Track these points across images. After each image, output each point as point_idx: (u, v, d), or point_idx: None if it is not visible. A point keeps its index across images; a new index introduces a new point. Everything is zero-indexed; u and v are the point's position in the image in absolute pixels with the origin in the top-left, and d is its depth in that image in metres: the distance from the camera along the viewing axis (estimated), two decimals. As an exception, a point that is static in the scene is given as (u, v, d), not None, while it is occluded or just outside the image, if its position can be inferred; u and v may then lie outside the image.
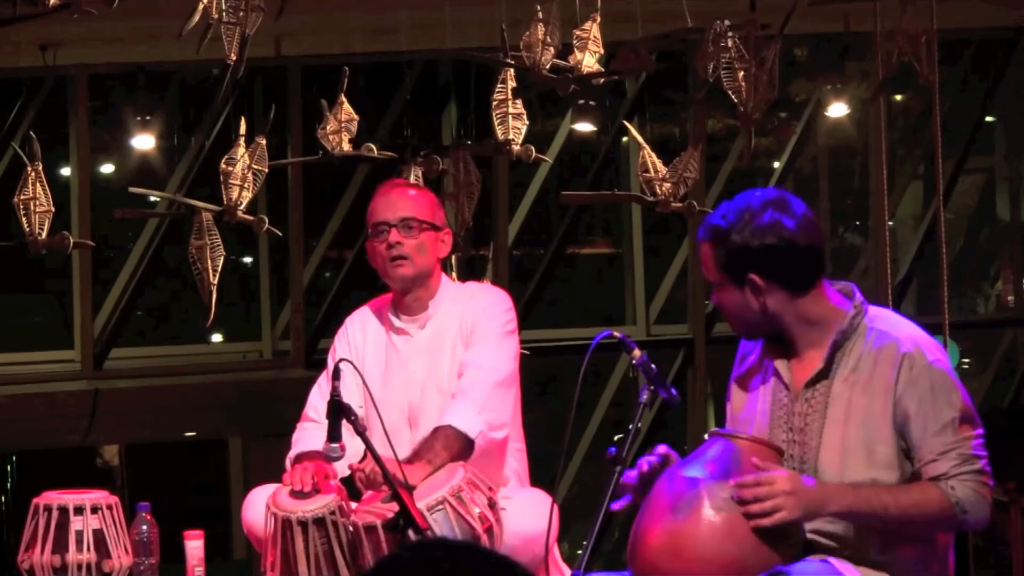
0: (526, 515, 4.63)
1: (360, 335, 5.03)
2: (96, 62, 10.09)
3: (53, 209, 5.55)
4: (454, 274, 5.55)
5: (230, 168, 5.47)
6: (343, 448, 4.40)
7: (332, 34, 9.90)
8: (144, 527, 5.09)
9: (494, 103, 5.73)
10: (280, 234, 5.89)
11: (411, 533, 4.22)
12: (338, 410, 4.38)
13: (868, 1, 6.07)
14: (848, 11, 9.37)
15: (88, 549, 4.97)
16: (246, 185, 5.47)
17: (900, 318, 3.92)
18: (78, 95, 10.45)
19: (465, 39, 8.33)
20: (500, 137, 5.72)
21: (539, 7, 5.45)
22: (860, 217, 12.69)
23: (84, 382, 10.75)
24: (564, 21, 5.47)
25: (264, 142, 5.52)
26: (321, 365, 5.16)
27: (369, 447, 4.38)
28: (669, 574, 3.66)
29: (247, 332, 11.58)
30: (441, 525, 4.48)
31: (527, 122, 5.76)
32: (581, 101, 10.36)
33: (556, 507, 4.36)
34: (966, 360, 12.60)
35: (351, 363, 4.67)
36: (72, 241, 5.60)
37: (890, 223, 11.43)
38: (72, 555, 4.95)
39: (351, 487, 4.68)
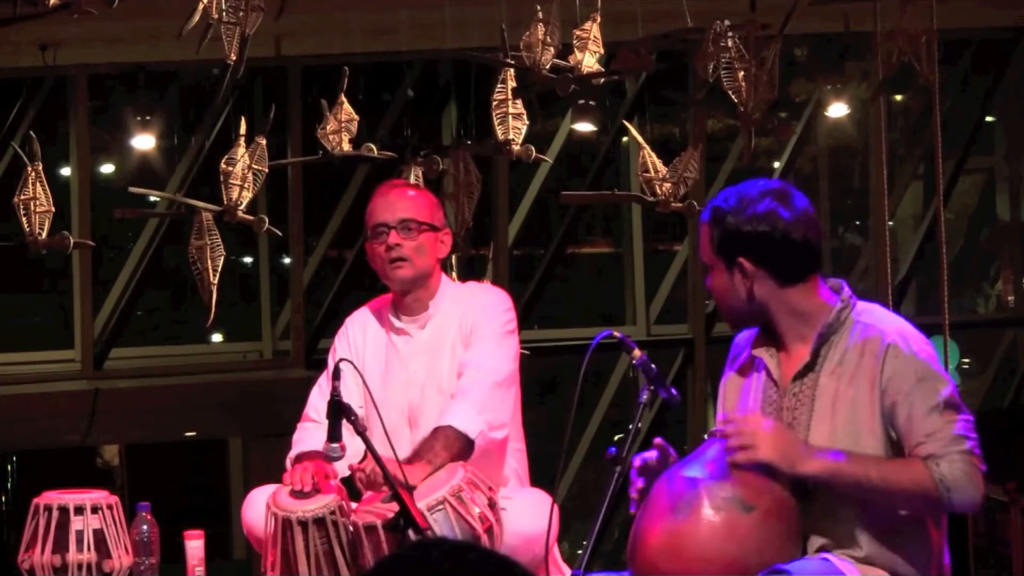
0: (526, 515, 4.63)
1: (360, 335, 5.04)
2: (96, 62, 10.09)
3: (53, 209, 5.55)
4: (454, 274, 5.55)
5: (230, 168, 5.47)
6: (343, 448, 4.41)
7: (332, 34, 9.90)
8: (144, 527, 5.09)
9: (494, 103, 5.73)
10: (280, 234, 5.89)
11: (411, 533, 4.22)
12: (338, 410, 4.38)
13: (868, 1, 6.08)
14: (848, 11, 9.37)
15: (88, 549, 4.97)
16: (246, 185, 5.47)
17: (887, 312, 3.94)
18: (78, 95, 10.45)
19: (465, 39, 8.33)
20: (500, 137, 5.72)
21: (539, 7, 5.45)
22: (860, 217, 12.69)
23: (84, 382, 10.76)
24: (564, 21, 5.47)
25: (264, 142, 5.52)
26: (321, 365, 5.16)
27: (369, 447, 4.38)
28: (669, 574, 3.66)
29: (247, 332, 11.58)
30: (441, 525, 4.49)
31: (527, 122, 5.76)
32: (581, 101, 10.36)
33: (556, 507, 4.36)
34: (966, 360, 12.60)
35: (351, 363, 4.67)
36: (72, 241, 5.60)
37: (890, 223, 11.43)
38: (72, 555, 4.96)
39: (351, 487, 4.68)
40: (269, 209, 9.98)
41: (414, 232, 4.92)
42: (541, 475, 5.14)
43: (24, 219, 5.50)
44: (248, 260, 11.70)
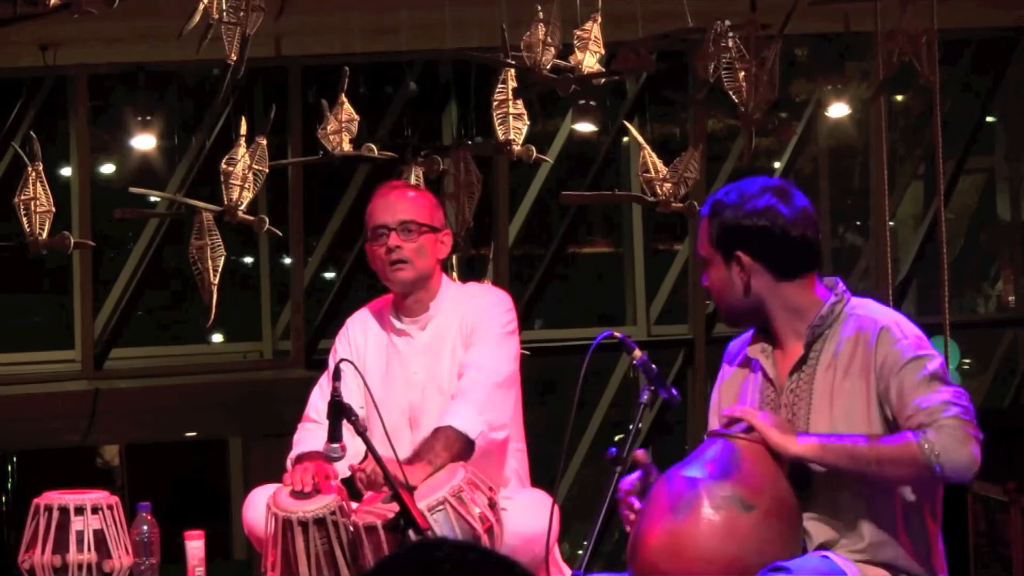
0: (526, 515, 4.63)
1: (361, 336, 5.03)
2: (96, 62, 10.10)
3: (53, 209, 5.55)
4: (455, 274, 5.55)
5: (230, 168, 5.47)
6: (344, 448, 4.41)
7: (332, 34, 9.90)
8: (144, 527, 5.09)
9: (495, 103, 5.73)
10: (280, 234, 5.89)
11: (411, 533, 4.22)
12: (339, 410, 4.38)
13: (868, 1, 6.08)
14: (848, 11, 9.37)
15: (89, 549, 4.97)
16: (247, 185, 5.47)
17: (881, 305, 3.96)
18: (78, 95, 10.45)
19: (465, 39, 8.33)
20: (501, 137, 5.72)
21: (539, 7, 5.45)
22: (860, 217, 12.69)
23: (84, 382, 10.76)
24: (565, 21, 5.47)
25: (264, 142, 5.52)
26: (321, 365, 5.16)
27: (370, 447, 4.38)
28: (669, 574, 3.66)
29: (247, 332, 11.58)
30: (442, 525, 4.49)
31: (528, 122, 5.76)
32: (582, 101, 10.36)
33: (556, 507, 4.36)
34: (966, 360, 12.60)
35: (352, 363, 4.67)
36: (72, 241, 5.60)
37: (891, 223, 11.43)
38: (73, 555, 4.95)
39: (352, 487, 4.68)
40: (269, 209, 9.98)
41: (414, 234, 4.91)
42: (541, 475, 5.13)
43: (24, 219, 5.50)
44: (248, 260, 11.70)
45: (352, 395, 4.71)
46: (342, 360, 4.64)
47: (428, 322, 4.97)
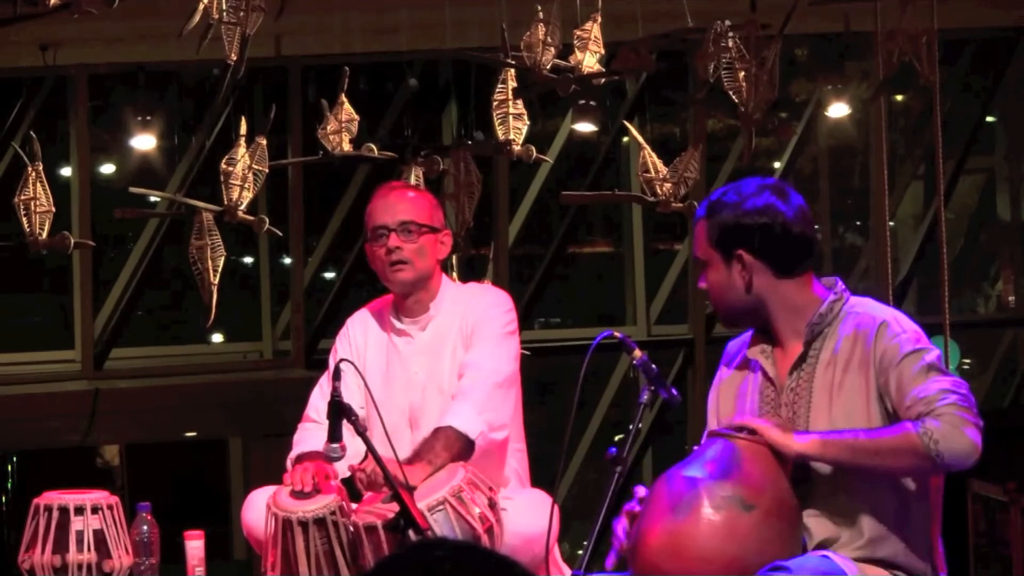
0: (526, 515, 4.63)
1: (361, 336, 5.04)
2: (96, 62, 10.10)
3: (53, 209, 5.55)
4: (455, 274, 5.55)
5: (230, 168, 5.47)
6: (343, 448, 4.41)
7: (332, 34, 9.91)
8: (144, 527, 5.09)
9: (495, 103, 5.73)
10: (280, 234, 5.89)
11: (412, 533, 4.22)
12: (338, 410, 4.38)
13: (868, 1, 6.07)
14: (848, 11, 9.37)
15: (88, 549, 4.97)
16: (246, 185, 5.47)
17: (879, 303, 3.97)
18: (78, 95, 10.45)
19: (465, 39, 8.33)
20: (501, 137, 5.72)
21: (539, 7, 5.45)
22: (860, 217, 12.69)
23: (84, 382, 10.76)
24: (565, 21, 5.47)
25: (264, 142, 5.52)
26: (321, 365, 5.16)
27: (370, 447, 4.38)
28: (670, 574, 3.67)
29: (247, 332, 11.58)
30: (442, 525, 4.49)
31: (528, 122, 5.76)
32: (581, 101, 10.36)
33: (556, 507, 4.36)
34: (966, 360, 12.60)
35: (352, 364, 4.67)
36: (72, 241, 5.60)
37: (890, 223, 11.43)
38: (72, 555, 4.96)
39: (351, 487, 4.68)
40: (269, 209, 9.98)
41: (414, 234, 4.91)
42: (541, 475, 5.13)
43: (24, 219, 5.50)
44: (248, 260, 11.70)
45: (352, 395, 4.71)
46: (342, 360, 4.64)
47: (428, 322, 4.97)
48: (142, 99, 10.30)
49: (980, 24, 11.22)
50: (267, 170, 5.54)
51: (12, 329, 11.19)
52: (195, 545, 5.20)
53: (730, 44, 5.27)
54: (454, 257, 5.90)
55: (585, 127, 11.30)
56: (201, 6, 5.13)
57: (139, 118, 10.21)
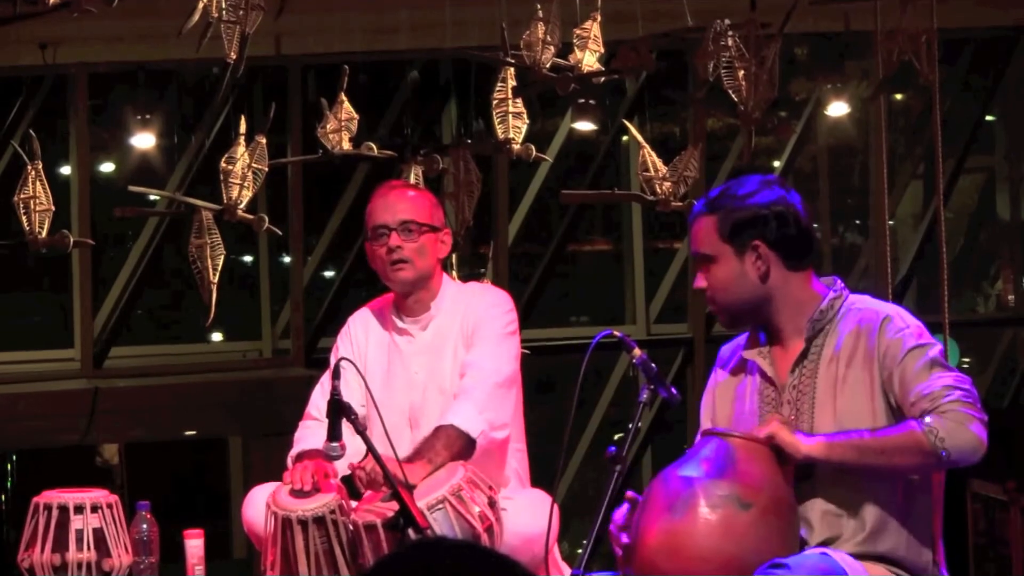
0: (526, 515, 4.63)
1: (363, 335, 5.04)
2: (96, 61, 10.09)
3: (53, 208, 5.55)
4: (455, 273, 5.55)
5: (230, 167, 5.47)
6: (343, 447, 4.40)
7: (332, 33, 9.90)
8: (144, 526, 5.09)
9: (494, 102, 5.73)
10: (280, 233, 5.89)
11: (411, 532, 4.22)
12: (338, 409, 4.38)
13: (868, 0, 6.07)
14: (848, 10, 9.37)
15: (88, 548, 4.97)
16: (246, 184, 5.47)
17: (879, 300, 3.98)
18: (78, 94, 10.44)
19: (465, 38, 8.32)
20: (500, 136, 5.72)
21: (539, 6, 5.45)
22: (860, 216, 12.69)
23: (84, 381, 10.75)
24: (564, 20, 5.46)
25: (264, 141, 5.52)
26: (321, 364, 5.16)
27: (369, 446, 4.38)
28: (667, 573, 3.66)
29: (247, 331, 11.57)
30: (441, 524, 4.49)
31: (527, 121, 5.76)
32: (581, 100, 10.36)
33: (556, 507, 4.36)
34: (966, 359, 12.60)
35: (352, 362, 4.67)
36: (72, 240, 5.60)
37: (890, 222, 11.42)
38: (72, 554, 4.96)
39: (351, 486, 4.68)
40: (269, 208, 9.98)
41: (415, 234, 4.91)
42: (541, 474, 5.13)
43: (24, 218, 5.50)
44: (248, 259, 11.70)
45: (352, 394, 4.71)
46: (342, 359, 4.64)
47: (429, 322, 4.97)
48: (142, 98, 10.30)
49: (980, 23, 11.22)
50: (267, 169, 5.54)
51: (12, 328, 11.18)
52: (195, 544, 5.20)
53: (730, 43, 5.27)
54: (454, 256, 5.90)
55: (585, 126, 11.30)
56: (201, 5, 5.13)
57: (139, 117, 10.21)
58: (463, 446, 4.69)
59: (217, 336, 11.71)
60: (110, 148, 11.25)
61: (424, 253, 4.92)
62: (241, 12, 5.13)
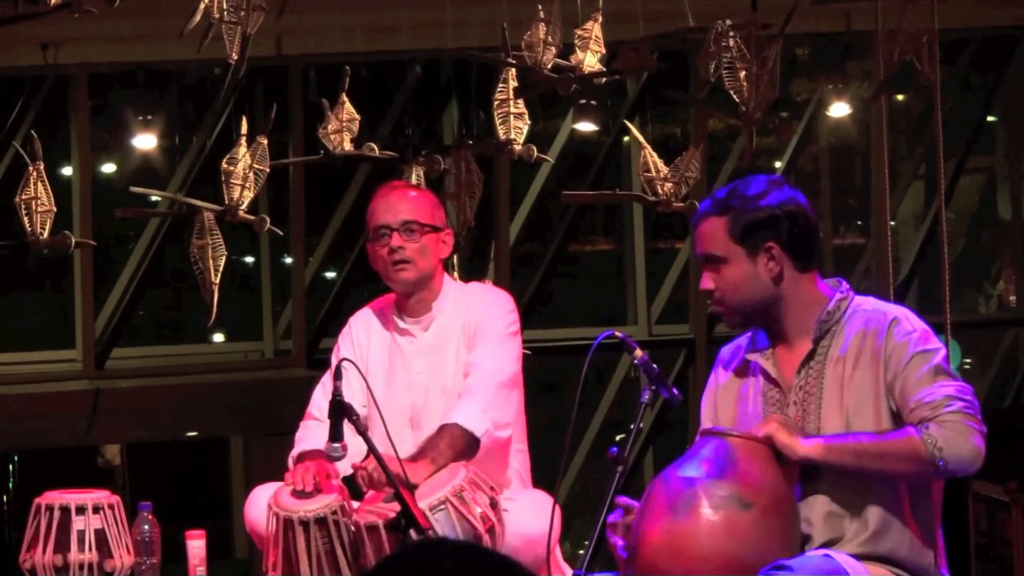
0: (528, 517, 4.63)
1: (364, 335, 5.03)
2: (97, 61, 10.10)
3: (55, 208, 5.55)
4: (456, 274, 5.55)
5: (231, 168, 5.47)
6: (345, 448, 4.41)
7: (333, 33, 9.91)
8: (146, 526, 5.09)
9: (496, 103, 5.73)
10: (281, 233, 5.90)
11: (413, 533, 4.22)
12: (340, 410, 4.38)
13: (869, 1, 6.07)
14: (849, 11, 9.37)
15: (90, 549, 4.97)
16: (247, 185, 5.47)
17: (886, 302, 3.97)
18: (79, 94, 10.45)
19: (466, 39, 8.33)
20: (502, 137, 5.72)
21: (540, 7, 5.45)
22: (861, 217, 12.69)
23: (85, 381, 10.76)
24: (565, 21, 5.47)
25: (265, 141, 5.52)
26: (322, 364, 5.16)
27: (371, 446, 4.38)
28: (670, 574, 3.66)
29: (248, 331, 11.58)
30: (443, 525, 4.49)
31: (528, 122, 5.76)
32: (582, 101, 10.37)
33: (558, 508, 4.36)
34: (967, 360, 12.60)
35: (353, 363, 4.67)
36: (73, 240, 5.60)
37: (891, 223, 11.42)
38: (74, 555, 4.96)
39: (353, 487, 4.68)
40: (270, 208, 9.98)
41: (416, 234, 4.91)
42: (542, 475, 5.13)
43: (26, 218, 5.50)
44: (249, 260, 11.70)
45: (354, 394, 4.70)
46: (343, 359, 4.64)
47: (431, 322, 4.96)
48: (143, 98, 10.31)
49: (981, 23, 11.22)
50: (268, 169, 5.54)
51: (13, 329, 11.18)
52: (196, 544, 5.20)
53: (731, 44, 5.27)
54: (455, 257, 5.90)
55: (586, 126, 11.30)
56: (202, 5, 5.13)
57: (140, 117, 10.23)
58: (467, 445, 4.69)
59: (219, 337, 11.71)
60: (111, 149, 11.26)
61: (426, 253, 4.92)
62: (242, 13, 5.14)
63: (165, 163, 11.02)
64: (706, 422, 4.04)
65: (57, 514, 4.98)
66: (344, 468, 4.70)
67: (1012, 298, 13.11)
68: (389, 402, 4.83)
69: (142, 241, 11.08)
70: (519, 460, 4.97)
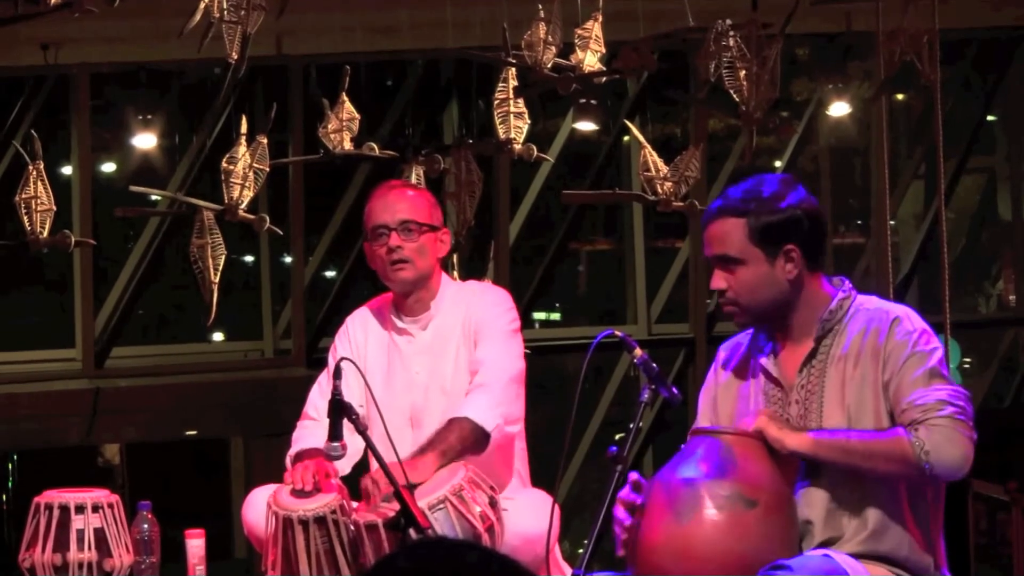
0: (527, 516, 4.62)
1: (362, 334, 5.03)
2: (97, 61, 10.10)
3: (54, 208, 5.55)
4: (455, 273, 5.55)
5: (231, 167, 5.47)
6: (344, 447, 4.40)
7: (334, 33, 9.90)
8: (145, 526, 5.09)
9: (496, 102, 5.73)
10: (281, 233, 5.89)
11: (412, 532, 4.22)
12: (339, 409, 4.38)
13: (870, 1, 6.07)
14: (850, 11, 9.37)
15: (89, 548, 4.97)
16: (247, 184, 5.47)
17: (888, 301, 3.97)
18: (79, 94, 10.44)
19: (467, 38, 8.33)
20: (502, 136, 5.72)
21: (541, 6, 5.45)
22: (862, 216, 12.69)
23: (85, 381, 10.75)
24: (565, 20, 5.47)
25: (265, 141, 5.52)
26: (322, 364, 5.15)
27: (370, 446, 4.38)
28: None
29: (248, 331, 11.57)
30: (442, 524, 4.48)
31: (528, 121, 5.76)
32: (582, 100, 10.36)
33: (557, 507, 4.36)
34: (967, 360, 12.60)
35: (352, 362, 4.66)
36: (73, 240, 5.60)
37: (891, 222, 11.42)
38: (73, 554, 4.96)
39: (352, 486, 4.68)
40: (270, 208, 9.98)
41: (415, 233, 4.91)
42: (542, 474, 5.13)
43: (25, 218, 5.50)
44: (249, 259, 11.70)
45: (352, 393, 4.70)
46: (343, 358, 4.63)
47: (429, 321, 4.96)
48: (143, 98, 10.31)
49: (981, 24, 11.22)
50: (268, 169, 5.54)
51: (12, 328, 11.18)
52: (196, 544, 5.20)
53: (731, 43, 5.26)
54: (455, 256, 5.90)
55: (586, 126, 11.30)
56: (202, 5, 5.13)
57: (140, 117, 10.22)
58: (477, 439, 4.68)
59: (218, 336, 11.71)
60: (111, 148, 11.26)
61: (424, 253, 4.91)
62: (242, 12, 5.13)
63: (165, 162, 11.02)
64: (704, 420, 4.03)
65: (56, 513, 4.98)
66: (343, 467, 4.70)
67: (1012, 298, 13.12)
68: (388, 402, 4.83)
69: (142, 240, 11.07)
70: (519, 459, 4.97)
